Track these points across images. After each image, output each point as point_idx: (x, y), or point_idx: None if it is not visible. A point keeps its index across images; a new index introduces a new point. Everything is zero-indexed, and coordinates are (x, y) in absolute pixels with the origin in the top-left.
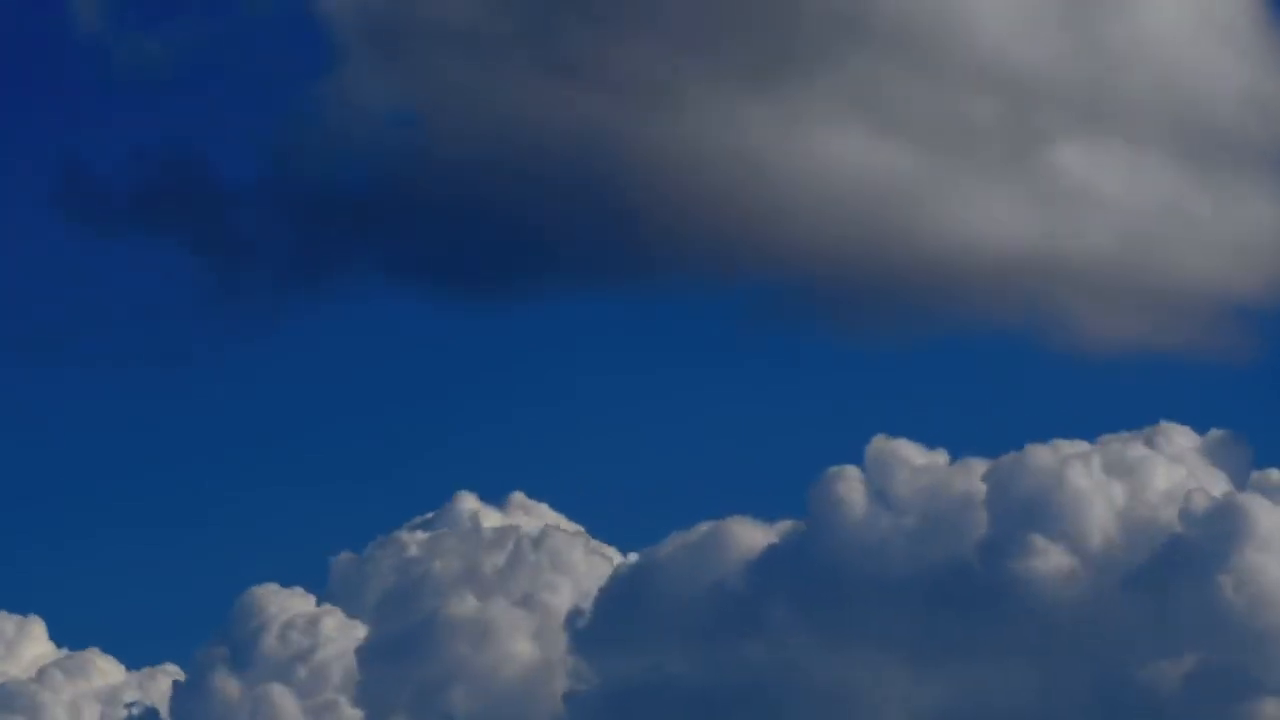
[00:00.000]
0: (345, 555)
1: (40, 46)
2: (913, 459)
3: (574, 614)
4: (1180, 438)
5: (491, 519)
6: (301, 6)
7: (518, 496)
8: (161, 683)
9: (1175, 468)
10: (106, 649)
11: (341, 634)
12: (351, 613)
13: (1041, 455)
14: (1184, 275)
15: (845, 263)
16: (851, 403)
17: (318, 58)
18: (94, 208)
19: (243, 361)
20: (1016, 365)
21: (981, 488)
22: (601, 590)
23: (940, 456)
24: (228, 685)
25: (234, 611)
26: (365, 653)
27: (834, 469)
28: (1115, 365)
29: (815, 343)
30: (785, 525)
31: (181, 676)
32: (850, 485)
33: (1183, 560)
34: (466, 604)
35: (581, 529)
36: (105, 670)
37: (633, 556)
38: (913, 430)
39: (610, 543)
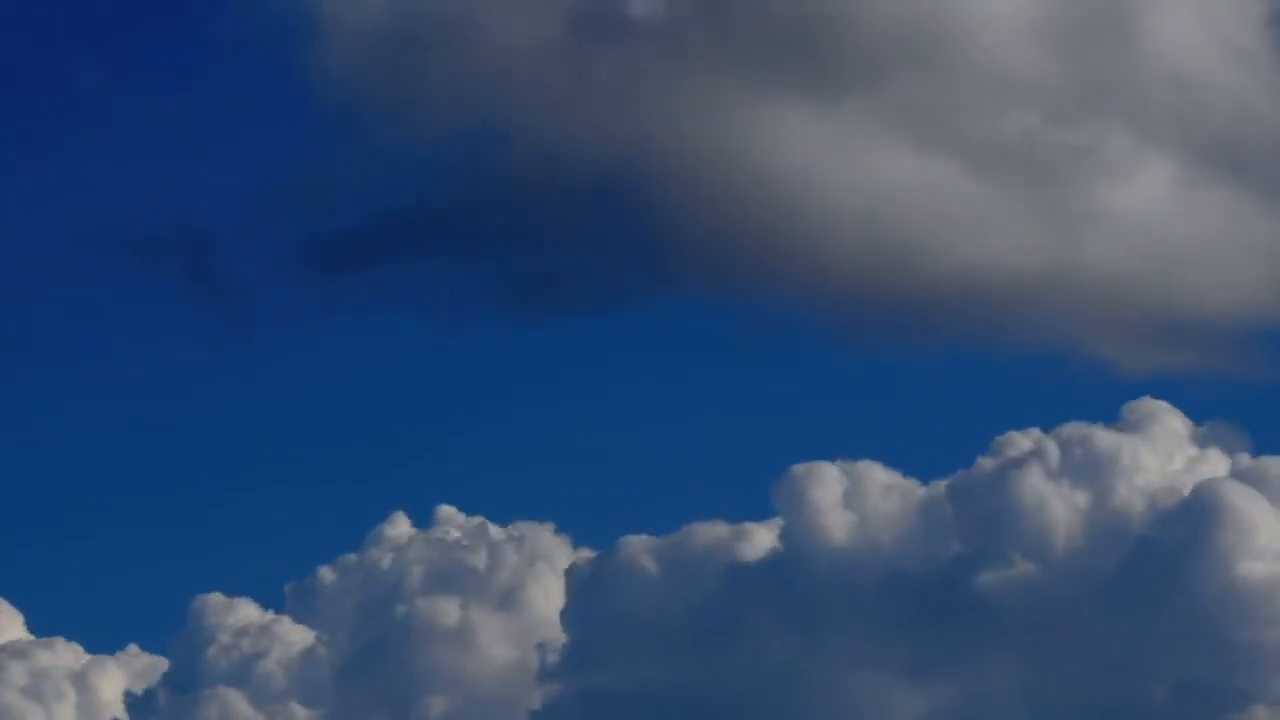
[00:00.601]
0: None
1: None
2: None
3: (542, 647)
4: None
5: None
6: (299, 52)
7: (445, 510)
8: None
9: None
10: (72, 638)
11: (307, 646)
12: (318, 626)
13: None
14: (1205, 296)
15: (859, 277)
16: (848, 414)
17: (319, 96)
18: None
19: (226, 370)
20: (1029, 383)
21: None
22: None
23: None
24: (189, 696)
25: (197, 620)
26: (336, 664)
27: (801, 467)
28: (1132, 385)
29: (817, 353)
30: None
31: (145, 669)
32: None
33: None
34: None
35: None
36: (73, 654)
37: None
38: (911, 445)
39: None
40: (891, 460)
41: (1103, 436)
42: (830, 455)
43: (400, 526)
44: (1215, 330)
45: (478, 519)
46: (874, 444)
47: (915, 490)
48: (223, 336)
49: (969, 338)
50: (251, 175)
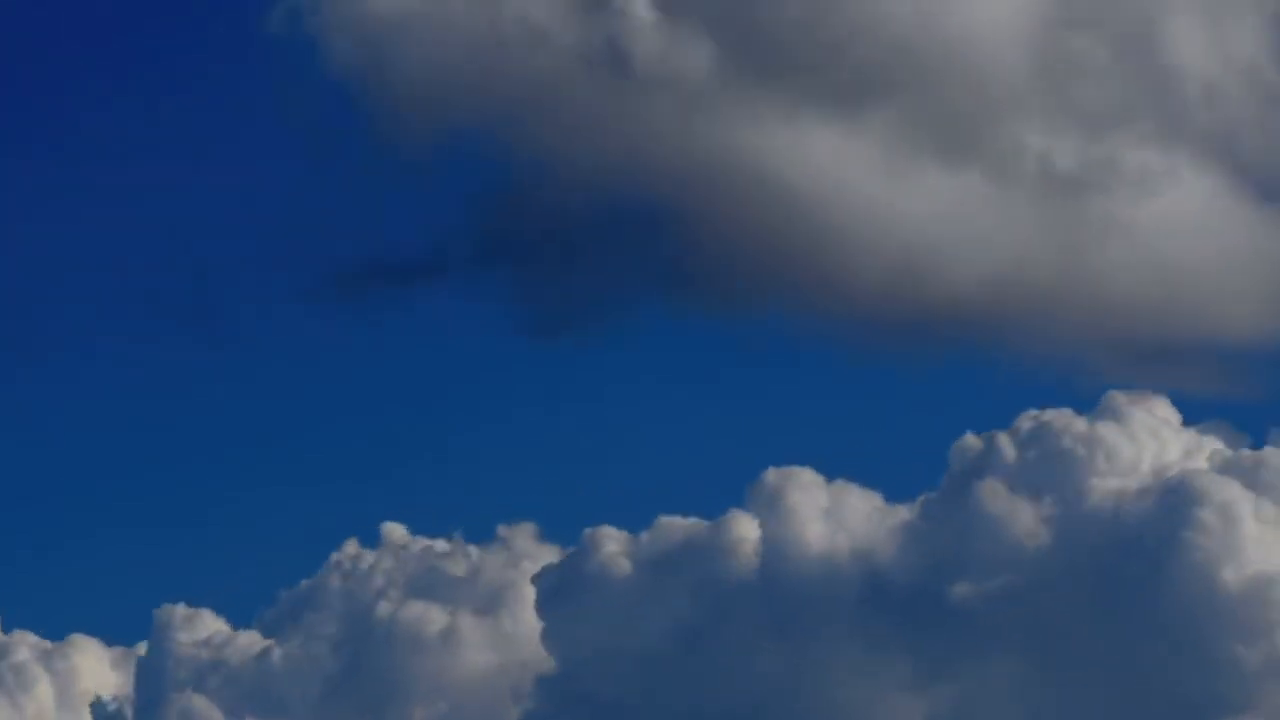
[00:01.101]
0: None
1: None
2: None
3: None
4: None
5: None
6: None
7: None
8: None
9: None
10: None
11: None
12: (293, 637)
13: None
14: (1221, 314)
15: (874, 289)
16: (853, 421)
17: (327, 118)
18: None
19: (218, 374)
20: (1033, 395)
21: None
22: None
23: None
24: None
25: (166, 629)
26: (313, 675)
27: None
28: None
29: (826, 363)
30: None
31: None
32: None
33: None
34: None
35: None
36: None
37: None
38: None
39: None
40: (887, 470)
41: (1088, 428)
42: (828, 467)
43: (388, 532)
44: (1228, 349)
45: (456, 532)
46: (873, 453)
47: (899, 509)
48: (220, 340)
49: (978, 351)
50: (259, 203)
